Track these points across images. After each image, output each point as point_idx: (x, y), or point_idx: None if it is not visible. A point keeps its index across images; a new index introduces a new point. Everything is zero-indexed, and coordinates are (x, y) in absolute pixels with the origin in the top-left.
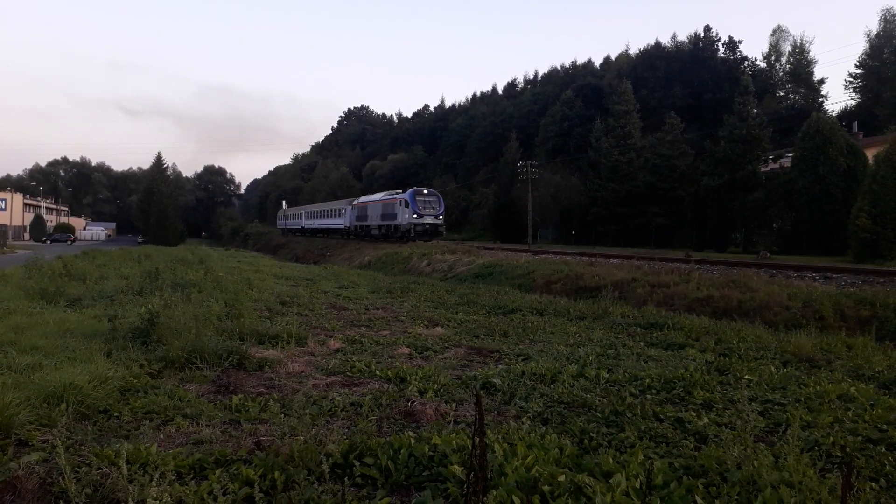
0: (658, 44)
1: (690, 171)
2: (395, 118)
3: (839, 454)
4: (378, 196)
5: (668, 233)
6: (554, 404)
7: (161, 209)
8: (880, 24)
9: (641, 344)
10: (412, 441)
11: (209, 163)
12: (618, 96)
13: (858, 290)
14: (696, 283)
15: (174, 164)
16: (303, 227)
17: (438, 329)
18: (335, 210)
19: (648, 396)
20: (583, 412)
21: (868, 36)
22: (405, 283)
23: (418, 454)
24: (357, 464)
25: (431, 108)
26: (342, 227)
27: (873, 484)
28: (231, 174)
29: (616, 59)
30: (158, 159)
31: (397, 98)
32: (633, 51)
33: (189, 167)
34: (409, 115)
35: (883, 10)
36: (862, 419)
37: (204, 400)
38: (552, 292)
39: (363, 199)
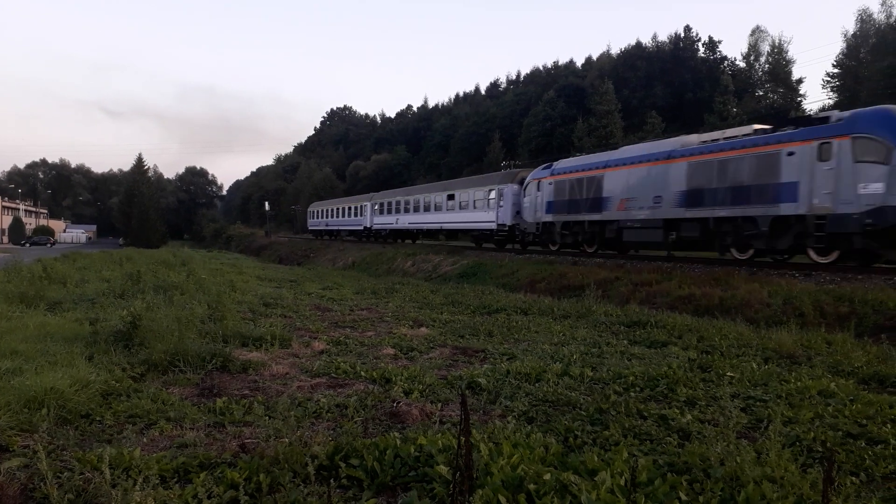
0: (639, 44)
1: None
2: (379, 118)
3: (820, 449)
4: (656, 148)
5: None
6: (539, 403)
7: (142, 211)
8: (857, 25)
9: (625, 342)
10: (398, 442)
11: (194, 164)
12: (599, 96)
13: (837, 287)
14: (677, 281)
15: (155, 165)
16: (372, 228)
17: (423, 329)
18: (472, 197)
19: (632, 394)
20: (567, 410)
21: (845, 36)
22: (390, 284)
23: (404, 455)
24: (343, 465)
25: (415, 109)
26: (490, 225)
27: (854, 478)
28: (213, 175)
29: (598, 59)
30: (139, 161)
31: (380, 98)
32: (615, 51)
33: (173, 168)
34: (393, 116)
35: (859, 10)
36: (842, 414)
37: (187, 403)
38: (536, 291)
39: (575, 162)
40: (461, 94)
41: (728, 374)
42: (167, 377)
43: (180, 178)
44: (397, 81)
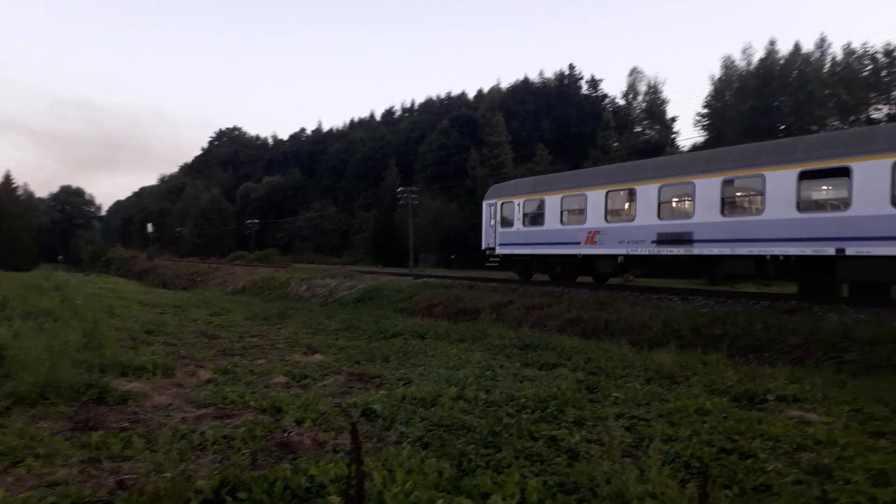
0: (527, 79)
1: None
2: (271, 140)
3: (697, 465)
4: None
5: None
6: (434, 427)
7: (10, 232)
8: (722, 70)
9: (517, 364)
10: (288, 473)
11: (72, 183)
12: (491, 128)
13: (711, 311)
14: (566, 305)
15: (26, 183)
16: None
17: (318, 356)
18: None
19: (524, 416)
20: (462, 434)
21: (712, 80)
22: (283, 309)
23: (294, 486)
24: (229, 499)
25: (308, 132)
26: None
27: (727, 491)
28: (91, 195)
29: (488, 92)
30: (7, 178)
31: (272, 120)
32: (504, 85)
33: (48, 187)
34: (285, 138)
35: (724, 57)
36: (716, 431)
37: (60, 437)
38: (434, 315)
39: None
40: (356, 119)
41: (613, 394)
42: (36, 410)
43: (55, 197)
44: (290, 104)
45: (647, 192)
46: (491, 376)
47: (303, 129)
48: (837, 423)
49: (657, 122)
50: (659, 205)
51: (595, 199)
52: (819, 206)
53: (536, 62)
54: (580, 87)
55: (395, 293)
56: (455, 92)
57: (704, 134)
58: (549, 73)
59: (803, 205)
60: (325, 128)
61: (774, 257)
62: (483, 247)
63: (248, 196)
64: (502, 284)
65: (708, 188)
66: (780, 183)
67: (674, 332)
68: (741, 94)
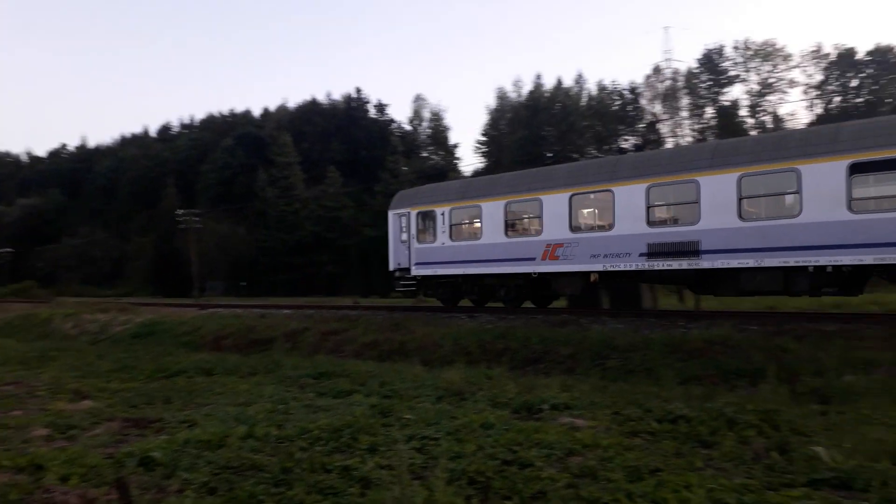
0: (314, 100)
1: (353, 222)
2: (25, 157)
3: (481, 479)
4: None
5: (336, 280)
6: (221, 471)
7: None
8: (497, 101)
9: (312, 395)
10: None
11: None
12: (279, 147)
13: (495, 327)
14: (363, 328)
15: None
16: None
17: (87, 402)
18: None
19: (318, 448)
20: (252, 475)
21: (488, 109)
22: (44, 350)
23: None
24: None
25: (71, 148)
26: None
27: (508, 501)
28: None
29: (275, 111)
30: None
31: (25, 135)
32: (292, 105)
33: None
34: (43, 155)
35: (497, 89)
36: (499, 443)
37: None
38: (222, 348)
39: None
40: (128, 134)
41: (406, 416)
42: None
43: None
44: (47, 116)
45: (631, 194)
46: (284, 410)
47: (64, 145)
48: (601, 427)
49: (441, 147)
50: (648, 209)
51: (555, 204)
52: (880, 205)
53: (323, 84)
54: (368, 111)
55: (177, 326)
56: (239, 109)
57: (484, 160)
58: (337, 96)
59: (857, 204)
60: (91, 144)
61: (819, 268)
62: (391, 267)
63: (1, 221)
64: (297, 311)
65: (719, 187)
66: (823, 178)
67: (462, 349)
68: (514, 124)
